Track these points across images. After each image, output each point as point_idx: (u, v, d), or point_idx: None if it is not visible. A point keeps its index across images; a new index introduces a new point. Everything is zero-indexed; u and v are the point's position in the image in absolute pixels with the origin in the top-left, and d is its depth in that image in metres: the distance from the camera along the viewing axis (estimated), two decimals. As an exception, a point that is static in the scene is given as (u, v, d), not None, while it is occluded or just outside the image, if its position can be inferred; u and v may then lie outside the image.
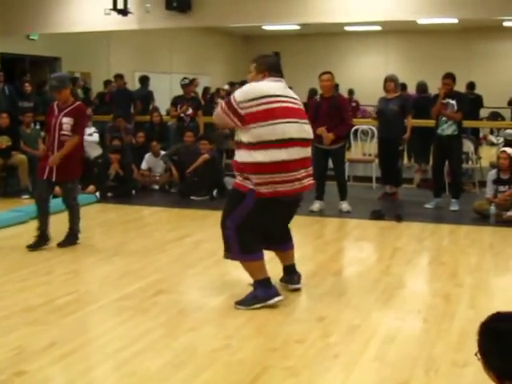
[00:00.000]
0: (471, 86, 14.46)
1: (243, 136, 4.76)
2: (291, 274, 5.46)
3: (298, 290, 5.37)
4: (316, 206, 8.90)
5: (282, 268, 5.49)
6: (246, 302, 4.92)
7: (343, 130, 8.84)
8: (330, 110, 8.64)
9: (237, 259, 5.05)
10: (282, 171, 4.73)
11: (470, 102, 11.03)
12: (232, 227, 4.87)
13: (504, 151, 8.66)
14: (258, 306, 4.87)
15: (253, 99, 4.73)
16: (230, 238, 4.93)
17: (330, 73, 8.80)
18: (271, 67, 5.03)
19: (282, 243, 5.42)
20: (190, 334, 4.39)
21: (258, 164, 4.68)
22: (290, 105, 4.91)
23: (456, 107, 9.04)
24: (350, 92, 19.21)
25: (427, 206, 9.21)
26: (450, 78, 9.23)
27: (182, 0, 12.36)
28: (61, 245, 6.84)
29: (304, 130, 4.91)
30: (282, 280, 5.47)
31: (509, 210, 8.28)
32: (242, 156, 4.80)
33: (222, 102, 5.04)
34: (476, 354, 2.27)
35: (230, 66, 22.54)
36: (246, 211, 4.82)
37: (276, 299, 4.93)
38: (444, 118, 9.03)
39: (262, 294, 4.93)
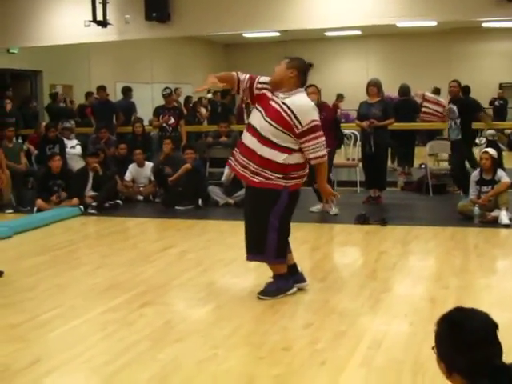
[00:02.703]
0: (465, 90, 14.48)
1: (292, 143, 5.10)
2: (298, 273, 5.56)
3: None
4: (317, 207, 9.15)
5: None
6: (271, 293, 5.28)
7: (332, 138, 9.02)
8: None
9: (271, 262, 5.39)
10: (304, 168, 5.26)
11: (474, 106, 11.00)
12: (276, 226, 5.19)
13: (486, 152, 8.68)
14: (280, 296, 5.27)
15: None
16: (271, 240, 5.22)
17: (313, 86, 8.81)
18: (301, 68, 5.25)
19: None
20: (177, 345, 4.36)
21: (297, 164, 5.15)
22: None
23: (457, 113, 9.19)
24: (339, 97, 19.27)
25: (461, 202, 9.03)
26: (455, 81, 9.43)
27: (161, 10, 12.36)
28: None
29: None
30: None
31: (492, 211, 8.31)
32: (280, 157, 5.07)
33: (318, 134, 5.16)
34: (432, 348, 2.30)
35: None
36: (284, 207, 5.19)
37: (294, 289, 5.38)
38: (451, 123, 9.25)
39: (283, 284, 5.33)
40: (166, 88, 11.84)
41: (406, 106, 11.86)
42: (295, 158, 5.12)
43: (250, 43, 22.00)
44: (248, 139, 5.24)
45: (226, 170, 10.24)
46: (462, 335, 2.21)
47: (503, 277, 6.29)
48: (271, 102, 5.18)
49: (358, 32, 19.56)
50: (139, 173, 10.82)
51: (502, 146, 14.57)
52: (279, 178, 5.10)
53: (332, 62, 22.52)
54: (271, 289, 5.31)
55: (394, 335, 4.51)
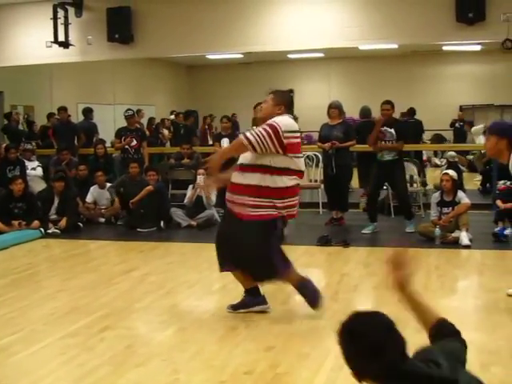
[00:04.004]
0: (412, 112, 14.68)
1: (271, 161, 5.08)
2: (259, 296, 5.57)
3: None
4: None
5: (247, 291, 5.56)
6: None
7: None
8: None
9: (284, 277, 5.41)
10: (295, 195, 5.28)
11: (411, 128, 11.24)
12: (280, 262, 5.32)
13: (446, 173, 8.80)
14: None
15: (292, 131, 5.18)
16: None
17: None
18: (288, 103, 5.39)
19: None
20: (138, 369, 4.32)
21: (284, 188, 5.13)
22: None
23: (395, 135, 9.18)
24: (294, 119, 19.39)
25: (364, 231, 9.26)
26: (389, 104, 9.38)
27: (123, 31, 12.37)
28: None
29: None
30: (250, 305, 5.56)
31: (453, 232, 8.40)
32: (265, 180, 5.08)
33: (264, 127, 5.11)
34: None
35: (174, 96, 22.56)
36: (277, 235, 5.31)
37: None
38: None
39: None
40: (129, 109, 11.80)
41: (367, 127, 11.94)
42: (280, 181, 5.12)
43: (213, 65, 22.06)
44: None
45: (189, 192, 10.24)
46: (362, 343, 2.25)
47: (464, 297, 6.35)
48: None
49: (321, 54, 19.72)
50: (101, 195, 10.75)
51: (462, 168, 14.76)
52: (259, 204, 5.15)
53: (294, 83, 22.58)
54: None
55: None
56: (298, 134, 5.30)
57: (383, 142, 9.17)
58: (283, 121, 5.16)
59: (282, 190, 5.12)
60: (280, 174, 5.10)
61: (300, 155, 5.30)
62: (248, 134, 5.10)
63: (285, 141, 5.06)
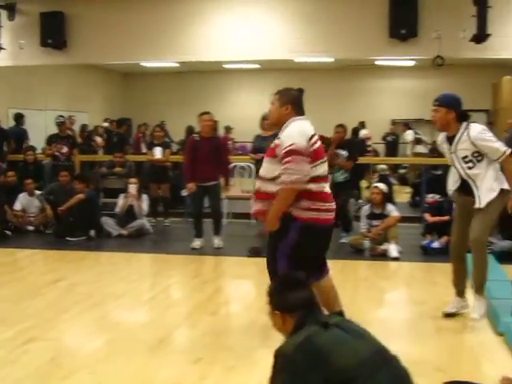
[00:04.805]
0: (356, 130, 14.88)
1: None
2: None
3: None
4: (197, 243, 8.92)
5: None
6: None
7: (227, 172, 9.25)
8: (210, 151, 8.72)
9: None
10: (327, 200, 4.77)
11: (359, 146, 11.44)
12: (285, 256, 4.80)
13: (376, 186, 8.93)
14: None
15: (310, 139, 4.71)
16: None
17: (209, 113, 8.90)
18: (294, 100, 4.93)
19: None
20: (62, 382, 4.23)
21: (311, 192, 4.66)
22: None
23: (346, 156, 9.36)
24: (227, 129, 19.43)
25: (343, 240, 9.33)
26: (341, 127, 9.60)
27: (57, 37, 12.21)
28: None
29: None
30: None
31: (382, 244, 8.52)
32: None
33: (287, 159, 4.59)
34: (270, 313, 3.20)
35: (108, 103, 22.30)
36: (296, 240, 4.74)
37: None
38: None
39: None
40: (60, 116, 11.64)
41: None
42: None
43: (148, 73, 21.91)
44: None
45: (120, 201, 10.13)
46: (287, 283, 3.29)
47: (391, 309, 6.44)
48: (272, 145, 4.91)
49: (257, 66, 19.81)
50: (30, 202, 10.54)
51: (393, 181, 14.99)
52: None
53: (229, 93, 22.70)
54: None
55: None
56: (316, 138, 4.80)
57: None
58: (294, 137, 4.66)
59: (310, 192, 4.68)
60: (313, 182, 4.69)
61: (324, 160, 4.85)
62: (285, 178, 4.58)
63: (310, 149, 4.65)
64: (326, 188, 4.81)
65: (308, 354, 2.78)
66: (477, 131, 5.36)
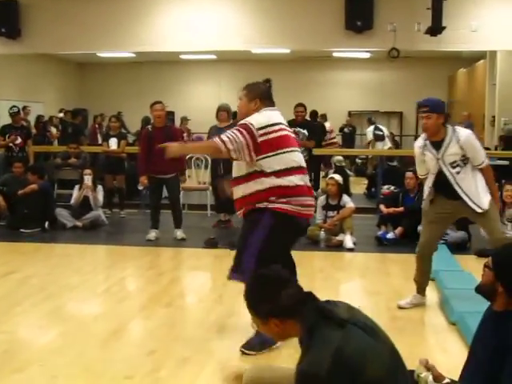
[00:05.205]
0: (315, 114, 14.89)
1: (255, 166, 4.50)
2: None
3: None
4: (152, 234, 8.86)
5: None
6: (256, 347, 4.55)
7: (183, 163, 9.09)
8: (164, 140, 8.62)
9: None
10: (301, 194, 4.57)
11: (318, 129, 11.55)
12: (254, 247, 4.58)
13: (332, 178, 8.97)
14: (265, 351, 4.56)
15: (267, 126, 4.53)
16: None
17: (161, 102, 8.84)
18: (263, 94, 4.75)
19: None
20: (15, 375, 4.19)
21: (279, 187, 4.48)
22: (291, 134, 4.75)
23: (307, 135, 9.49)
24: (184, 120, 19.35)
25: None
26: (302, 106, 9.72)
27: (10, 26, 12.06)
28: None
29: (302, 159, 4.74)
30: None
31: (337, 235, 8.57)
32: (257, 184, 4.52)
33: (237, 128, 4.51)
34: (261, 322, 2.84)
35: (63, 93, 22.05)
36: (268, 230, 4.56)
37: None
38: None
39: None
40: (14, 106, 11.45)
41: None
42: (269, 182, 4.49)
43: (104, 63, 21.72)
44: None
45: (75, 192, 10.03)
46: (269, 287, 2.83)
47: (346, 299, 6.45)
48: None
49: (213, 56, 19.77)
50: (-17, 194, 10.37)
51: (349, 172, 15.09)
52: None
53: (186, 84, 22.59)
54: (254, 342, 4.58)
55: (239, 360, 4.52)
56: (282, 126, 4.63)
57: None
58: (255, 117, 4.57)
59: (278, 188, 4.52)
60: (279, 176, 4.52)
61: (294, 149, 4.64)
62: (223, 137, 4.50)
63: (259, 139, 4.46)
64: (302, 181, 4.60)
65: (343, 373, 2.53)
66: (466, 134, 5.33)
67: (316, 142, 10.40)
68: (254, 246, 4.56)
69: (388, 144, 16.08)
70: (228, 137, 4.48)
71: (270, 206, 4.51)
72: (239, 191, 4.67)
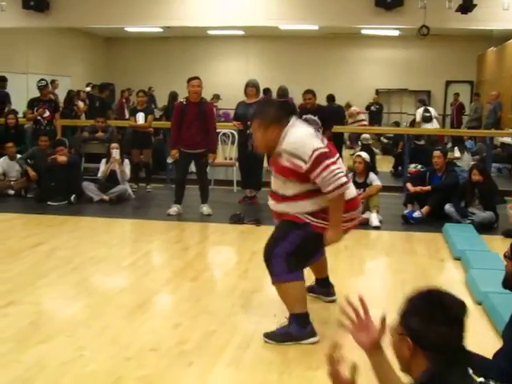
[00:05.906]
0: (331, 98, 14.76)
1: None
2: (327, 287, 5.36)
3: (334, 301, 5.26)
4: (174, 209, 8.85)
5: (316, 280, 5.37)
6: (277, 338, 4.40)
7: (214, 143, 9.04)
8: (197, 116, 8.64)
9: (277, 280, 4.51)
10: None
11: (334, 113, 11.46)
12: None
13: (359, 155, 8.92)
14: (290, 343, 4.38)
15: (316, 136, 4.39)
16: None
17: (198, 78, 8.79)
18: (275, 117, 4.39)
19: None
20: (41, 346, 4.23)
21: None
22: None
23: (320, 123, 9.36)
24: (215, 97, 19.26)
25: None
26: (310, 93, 9.59)
27: (39, -1, 12.07)
28: None
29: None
30: (313, 291, 5.30)
31: (363, 213, 8.53)
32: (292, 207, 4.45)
33: (320, 162, 4.16)
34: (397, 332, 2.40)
35: (91, 68, 22.11)
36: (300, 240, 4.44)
37: (311, 340, 4.40)
38: None
39: (296, 331, 4.40)
40: (42, 80, 11.48)
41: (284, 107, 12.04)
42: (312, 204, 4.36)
43: (131, 38, 21.73)
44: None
45: (102, 166, 10.07)
46: (441, 309, 2.30)
47: (371, 277, 6.47)
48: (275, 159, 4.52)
49: (241, 32, 19.68)
50: (11, 166, 10.44)
51: (375, 150, 15.01)
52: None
53: (213, 60, 22.53)
54: (280, 332, 4.44)
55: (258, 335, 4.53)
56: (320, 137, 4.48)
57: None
58: (306, 142, 4.25)
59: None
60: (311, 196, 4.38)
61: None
62: (327, 188, 4.19)
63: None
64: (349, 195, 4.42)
65: None
66: None
67: (329, 126, 10.17)
68: (285, 246, 4.48)
69: (436, 125, 15.72)
70: (334, 176, 4.15)
71: (314, 223, 4.38)
72: (288, 208, 4.53)
